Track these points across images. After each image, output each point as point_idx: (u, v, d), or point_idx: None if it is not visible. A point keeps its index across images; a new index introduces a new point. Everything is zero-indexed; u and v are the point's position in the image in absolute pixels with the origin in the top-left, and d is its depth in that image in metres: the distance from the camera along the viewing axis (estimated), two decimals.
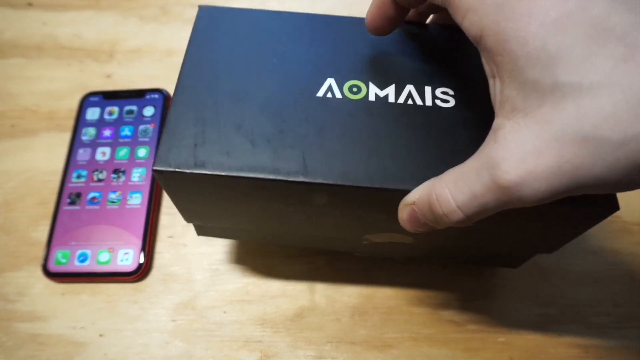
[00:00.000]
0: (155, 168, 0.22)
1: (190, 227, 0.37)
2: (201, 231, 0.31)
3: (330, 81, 0.25)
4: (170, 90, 0.42)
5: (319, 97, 0.24)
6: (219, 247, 0.36)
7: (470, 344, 0.33)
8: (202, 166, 0.22)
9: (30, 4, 0.48)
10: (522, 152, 0.16)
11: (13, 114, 0.42)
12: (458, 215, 0.18)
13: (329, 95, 0.24)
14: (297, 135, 0.23)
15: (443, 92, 0.24)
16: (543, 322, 0.33)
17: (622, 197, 0.37)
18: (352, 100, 0.24)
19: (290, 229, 0.28)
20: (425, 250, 0.31)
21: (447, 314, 0.34)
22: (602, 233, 0.36)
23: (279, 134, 0.23)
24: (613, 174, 0.15)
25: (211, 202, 0.25)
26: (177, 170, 0.22)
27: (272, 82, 0.24)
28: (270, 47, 0.26)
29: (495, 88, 0.18)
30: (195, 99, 0.24)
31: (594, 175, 0.15)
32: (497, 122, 0.18)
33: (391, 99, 0.24)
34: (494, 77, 0.18)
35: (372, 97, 0.24)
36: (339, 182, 0.22)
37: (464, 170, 0.18)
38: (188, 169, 0.22)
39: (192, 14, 0.47)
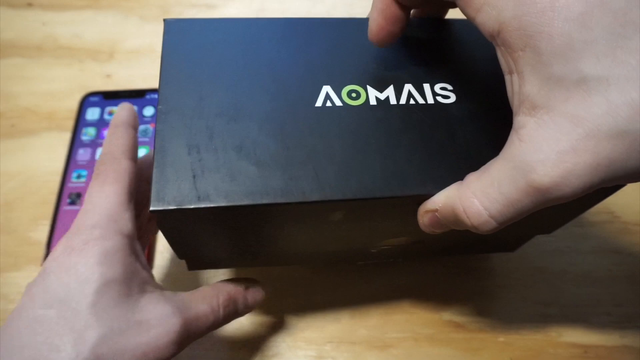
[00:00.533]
0: (153, 209, 0.20)
1: None
2: (194, 265, 0.28)
3: (327, 89, 0.23)
4: None
5: (318, 107, 0.23)
6: None
7: (470, 344, 0.33)
8: (207, 199, 0.20)
9: (30, 4, 0.48)
10: (557, 152, 0.16)
11: (13, 114, 0.42)
12: (491, 225, 0.18)
13: (329, 103, 0.23)
14: (304, 150, 0.21)
15: (442, 88, 0.24)
16: (543, 322, 0.33)
17: (622, 198, 0.37)
18: (354, 106, 0.23)
19: (297, 249, 0.27)
20: (429, 248, 0.31)
21: (447, 314, 0.34)
22: (602, 233, 0.36)
23: (285, 151, 0.21)
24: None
25: (214, 234, 0.23)
26: (179, 207, 0.20)
27: (264, 96, 0.23)
28: (253, 58, 0.24)
29: (513, 84, 0.18)
30: (182, 124, 0.22)
31: (628, 168, 0.15)
32: (518, 120, 0.17)
33: (393, 101, 0.23)
34: (511, 72, 0.18)
35: (373, 101, 0.23)
36: (358, 196, 0.21)
37: (492, 176, 0.18)
38: (191, 204, 0.20)
39: (193, 14, 0.47)
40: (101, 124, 0.41)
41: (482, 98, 0.24)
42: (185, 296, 0.24)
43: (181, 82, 0.23)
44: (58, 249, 0.23)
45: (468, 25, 0.26)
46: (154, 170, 0.20)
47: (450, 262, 0.35)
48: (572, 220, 0.26)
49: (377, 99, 0.23)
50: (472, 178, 0.19)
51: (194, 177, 0.20)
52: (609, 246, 0.35)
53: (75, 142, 0.40)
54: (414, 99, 0.24)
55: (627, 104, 0.15)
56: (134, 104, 0.41)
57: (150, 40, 0.46)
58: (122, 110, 0.28)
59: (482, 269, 0.35)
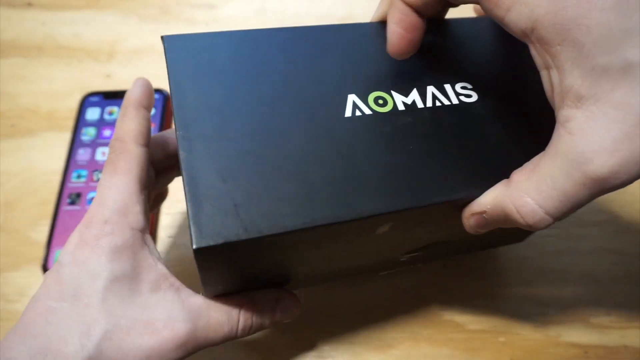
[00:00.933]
0: (198, 247, 0.18)
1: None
2: (217, 292, 0.25)
3: (353, 97, 0.22)
4: None
5: (348, 118, 0.22)
6: None
7: (470, 344, 0.33)
8: (255, 228, 0.18)
9: (30, 4, 0.48)
10: (610, 141, 0.16)
11: (13, 114, 0.42)
12: (547, 221, 0.18)
13: (358, 113, 0.22)
14: (345, 164, 0.20)
15: (463, 87, 0.24)
16: (543, 322, 0.33)
17: (622, 198, 0.37)
18: (383, 113, 0.22)
19: (332, 267, 0.27)
20: (452, 248, 0.31)
21: (447, 314, 0.34)
22: (602, 233, 0.36)
23: (326, 167, 0.20)
24: None
25: (252, 263, 0.22)
26: (226, 242, 0.18)
27: (289, 110, 0.22)
28: (267, 71, 0.23)
29: (552, 79, 0.18)
30: (209, 150, 0.20)
31: None
32: (564, 113, 0.17)
33: (419, 104, 0.23)
34: (548, 68, 0.18)
35: (401, 107, 0.23)
36: (407, 206, 0.20)
37: (543, 173, 0.18)
38: (240, 236, 0.18)
39: (193, 14, 0.47)
40: (101, 124, 0.41)
41: (502, 94, 0.23)
42: (202, 301, 0.23)
43: (197, 104, 0.21)
44: (72, 241, 0.23)
45: (469, 23, 0.26)
46: (189, 205, 0.19)
47: (450, 262, 0.35)
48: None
49: (405, 103, 0.23)
50: (520, 176, 0.19)
51: (235, 206, 0.19)
52: (609, 246, 0.35)
53: (75, 142, 0.40)
54: (439, 101, 0.23)
55: None
56: None
57: (150, 40, 0.46)
58: (135, 88, 0.26)
59: (482, 269, 0.35)
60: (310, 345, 0.33)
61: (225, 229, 0.18)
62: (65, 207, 0.37)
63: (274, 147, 0.20)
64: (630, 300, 0.34)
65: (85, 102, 0.42)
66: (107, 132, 0.40)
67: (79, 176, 0.38)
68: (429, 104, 0.23)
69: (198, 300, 0.23)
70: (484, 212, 0.20)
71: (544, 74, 0.18)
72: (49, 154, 0.40)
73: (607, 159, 0.16)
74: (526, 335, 0.33)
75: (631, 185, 0.17)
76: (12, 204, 0.39)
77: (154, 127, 0.40)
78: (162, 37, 0.23)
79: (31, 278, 0.36)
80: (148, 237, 0.24)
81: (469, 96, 0.24)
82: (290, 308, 0.27)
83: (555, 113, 0.18)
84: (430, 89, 0.24)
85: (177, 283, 0.24)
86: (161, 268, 0.23)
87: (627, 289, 0.34)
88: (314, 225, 0.19)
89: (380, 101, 0.23)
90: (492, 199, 0.20)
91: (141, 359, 0.21)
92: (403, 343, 0.33)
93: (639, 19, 0.15)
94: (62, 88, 0.43)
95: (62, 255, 0.22)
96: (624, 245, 0.35)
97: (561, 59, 0.17)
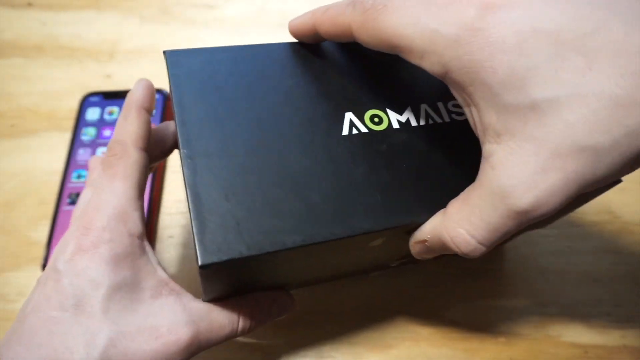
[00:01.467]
0: (203, 264, 0.19)
1: (182, 228, 0.37)
2: (217, 296, 0.25)
3: (350, 115, 0.23)
4: None
5: (345, 136, 0.22)
6: None
7: (470, 344, 0.33)
8: (256, 246, 0.19)
9: (30, 4, 0.48)
10: (528, 175, 0.17)
11: (13, 114, 0.42)
12: (480, 250, 0.19)
13: (355, 131, 0.23)
14: (343, 181, 0.21)
15: (454, 105, 0.24)
16: (543, 322, 0.33)
17: (622, 198, 0.37)
18: (379, 131, 0.23)
19: (325, 273, 0.27)
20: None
21: (447, 314, 0.34)
22: (602, 233, 0.36)
23: (325, 183, 0.21)
24: (613, 171, 0.16)
25: (253, 275, 0.23)
26: (229, 259, 0.19)
27: (291, 127, 0.22)
28: (268, 87, 0.23)
29: (473, 116, 0.19)
30: (212, 168, 0.20)
31: (597, 177, 0.16)
32: (486, 148, 0.18)
33: (413, 123, 0.23)
34: (468, 105, 0.19)
35: (395, 125, 0.23)
36: (403, 223, 0.21)
37: (472, 204, 0.19)
38: (242, 253, 0.19)
39: (193, 14, 0.47)
40: (101, 124, 0.41)
41: None
42: (203, 305, 0.24)
43: (200, 120, 0.22)
44: (68, 247, 0.22)
45: None
46: (194, 223, 0.19)
47: (450, 262, 0.35)
48: (574, 210, 0.26)
49: (399, 121, 0.23)
50: (453, 207, 0.20)
51: (237, 223, 0.19)
52: (609, 246, 0.35)
53: (75, 142, 0.40)
54: (432, 119, 0.24)
55: (581, 121, 0.16)
56: None
57: (150, 40, 0.46)
58: (137, 89, 0.26)
59: (482, 269, 0.35)
60: (310, 345, 0.33)
61: (229, 246, 0.19)
62: (65, 207, 0.37)
63: (274, 164, 0.21)
64: (630, 300, 0.34)
65: (86, 102, 0.42)
66: (107, 132, 0.40)
67: (79, 176, 0.38)
68: (422, 122, 0.23)
69: (199, 304, 0.24)
70: (425, 240, 0.21)
71: (466, 111, 0.19)
72: (49, 154, 0.40)
73: (524, 192, 0.17)
74: (526, 335, 0.33)
75: (630, 185, 0.17)
76: (12, 204, 0.39)
77: (153, 127, 0.40)
78: (164, 52, 0.23)
79: (31, 278, 0.36)
80: (146, 244, 0.24)
81: (460, 114, 0.24)
82: (286, 306, 0.27)
83: (481, 147, 0.19)
84: (424, 107, 0.24)
85: (177, 288, 0.24)
86: (161, 274, 0.24)
87: (627, 289, 0.34)
88: (312, 242, 0.20)
89: (376, 119, 0.23)
90: (431, 229, 0.21)
91: None
92: (403, 343, 0.33)
93: (540, 58, 0.16)
94: (62, 88, 0.43)
95: (58, 261, 0.22)
96: (623, 245, 0.35)
97: (475, 98, 0.18)
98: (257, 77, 0.23)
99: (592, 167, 0.16)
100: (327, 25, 0.22)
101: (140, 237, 0.24)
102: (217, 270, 0.19)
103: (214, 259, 0.19)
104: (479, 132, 0.19)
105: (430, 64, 0.18)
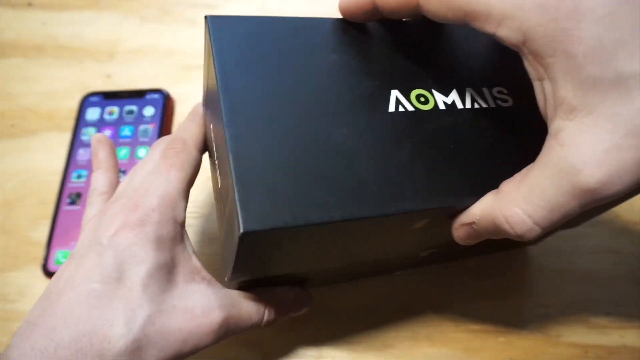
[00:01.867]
0: (245, 230, 0.18)
1: (189, 228, 0.37)
2: (241, 279, 0.25)
3: (396, 93, 0.23)
4: (170, 90, 0.42)
5: (392, 113, 0.22)
6: (219, 248, 0.36)
7: (470, 344, 0.33)
8: (305, 216, 0.19)
9: (30, 4, 0.48)
10: (600, 152, 0.16)
11: (13, 114, 0.42)
12: (535, 231, 0.18)
13: (401, 108, 0.22)
14: (390, 158, 0.21)
15: (499, 92, 0.24)
16: (543, 322, 0.33)
17: None
18: (425, 111, 0.22)
19: (359, 259, 0.27)
20: (467, 251, 0.31)
21: (447, 314, 0.34)
22: (602, 233, 0.36)
23: (372, 160, 0.20)
24: None
25: (289, 253, 0.22)
26: (275, 227, 0.18)
27: (338, 100, 0.22)
28: (315, 60, 0.22)
29: (545, 90, 0.18)
30: (256, 136, 0.20)
31: None
32: (556, 124, 0.17)
33: (459, 105, 0.23)
34: (541, 79, 0.18)
35: (441, 106, 0.23)
36: (447, 204, 0.20)
37: (532, 183, 0.18)
38: (290, 222, 0.18)
39: (193, 14, 0.47)
40: (101, 124, 0.41)
41: (534, 100, 0.24)
42: (234, 293, 0.25)
43: (243, 89, 0.21)
44: (114, 224, 0.23)
45: None
46: (236, 188, 0.18)
47: (450, 262, 0.35)
48: (602, 213, 0.27)
49: (445, 103, 0.23)
50: (509, 187, 0.19)
51: (283, 193, 0.19)
52: (609, 246, 0.35)
53: (75, 142, 0.40)
54: (478, 103, 0.23)
55: None
56: (134, 104, 0.41)
57: (150, 40, 0.46)
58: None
59: (482, 268, 0.35)
60: (310, 345, 0.33)
61: (273, 214, 0.18)
62: (66, 207, 0.37)
63: (320, 137, 0.20)
64: (630, 300, 0.34)
65: (85, 102, 0.42)
66: (107, 132, 0.40)
67: (79, 176, 0.38)
68: (468, 105, 0.23)
69: (230, 292, 0.25)
70: (473, 222, 0.20)
71: (537, 85, 0.19)
72: (49, 154, 0.40)
73: (596, 169, 0.16)
74: (526, 335, 0.33)
75: None
76: (13, 204, 0.39)
77: (153, 127, 0.40)
78: (205, 17, 0.22)
79: (31, 278, 0.36)
80: (186, 232, 0.25)
81: (505, 100, 0.24)
82: (306, 302, 0.29)
83: (548, 124, 0.18)
84: (469, 91, 0.24)
85: (209, 276, 0.25)
86: (195, 262, 0.25)
87: (627, 289, 0.34)
88: (360, 217, 0.19)
89: (422, 99, 0.23)
90: (482, 210, 0.20)
91: (180, 341, 0.22)
92: (403, 343, 0.33)
93: (630, 31, 0.16)
94: (63, 88, 0.43)
95: (101, 237, 0.22)
96: (623, 245, 0.35)
97: (554, 70, 0.17)
98: (302, 49, 0.23)
99: None
100: None
101: (182, 226, 0.25)
102: (257, 240, 0.19)
103: (256, 226, 0.18)
104: (549, 108, 0.18)
105: (508, 31, 0.17)
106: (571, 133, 0.17)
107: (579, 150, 0.16)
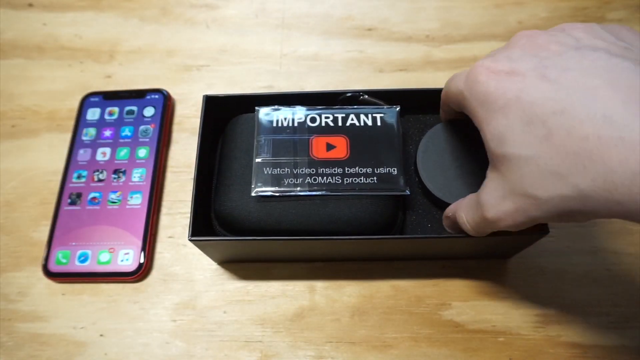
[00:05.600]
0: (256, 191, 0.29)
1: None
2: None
3: None
4: (170, 90, 0.42)
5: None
6: None
7: (470, 344, 0.33)
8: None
9: (30, 5, 0.48)
10: (495, 198, 0.23)
11: (14, 114, 0.42)
12: (472, 233, 0.26)
13: None
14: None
15: None
16: (543, 322, 0.33)
17: None
18: None
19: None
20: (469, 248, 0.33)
21: (447, 314, 0.34)
22: (602, 233, 0.36)
23: None
24: (548, 217, 0.21)
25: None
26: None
27: None
28: None
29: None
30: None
31: (537, 217, 0.22)
32: (487, 172, 0.24)
33: None
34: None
35: None
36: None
37: (471, 203, 0.26)
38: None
39: (193, 14, 0.47)
40: (101, 124, 0.41)
41: None
42: None
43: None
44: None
45: None
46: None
47: (450, 262, 0.35)
48: (523, 249, 0.33)
49: None
50: (467, 198, 0.27)
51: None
52: (609, 246, 0.35)
53: (75, 143, 0.40)
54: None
55: (530, 176, 0.21)
56: (134, 104, 0.41)
57: (150, 40, 0.46)
58: None
59: (481, 269, 0.35)
60: (310, 345, 0.33)
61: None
62: (66, 207, 0.37)
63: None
64: (630, 301, 0.34)
65: (86, 103, 0.42)
66: (107, 133, 0.40)
67: (79, 176, 0.39)
68: None
69: None
70: (449, 216, 0.29)
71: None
72: (49, 154, 0.40)
73: (491, 208, 0.23)
74: (526, 335, 0.33)
75: None
76: (13, 204, 0.39)
77: (153, 127, 0.40)
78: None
79: (32, 278, 0.36)
80: None
81: None
82: None
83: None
84: None
85: None
86: None
87: (627, 289, 0.34)
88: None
89: None
90: (454, 208, 0.28)
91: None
92: (403, 343, 0.33)
93: (515, 122, 0.21)
94: (63, 88, 0.43)
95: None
96: (623, 245, 0.35)
97: (486, 138, 0.24)
98: None
99: (532, 209, 0.21)
100: None
101: None
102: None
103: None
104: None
105: (455, 96, 0.26)
106: (488, 180, 0.24)
107: (486, 192, 0.24)
